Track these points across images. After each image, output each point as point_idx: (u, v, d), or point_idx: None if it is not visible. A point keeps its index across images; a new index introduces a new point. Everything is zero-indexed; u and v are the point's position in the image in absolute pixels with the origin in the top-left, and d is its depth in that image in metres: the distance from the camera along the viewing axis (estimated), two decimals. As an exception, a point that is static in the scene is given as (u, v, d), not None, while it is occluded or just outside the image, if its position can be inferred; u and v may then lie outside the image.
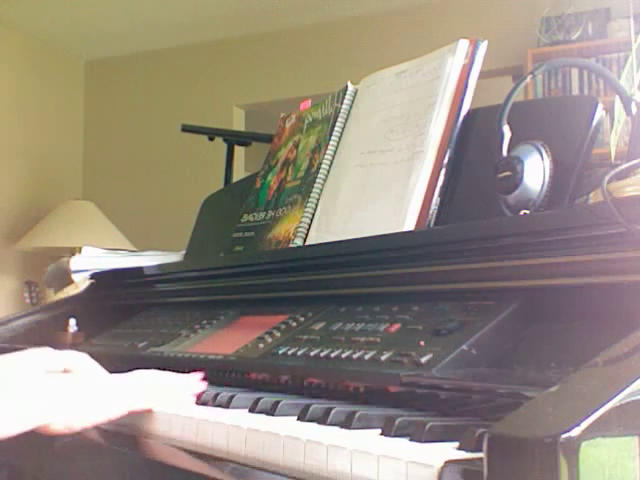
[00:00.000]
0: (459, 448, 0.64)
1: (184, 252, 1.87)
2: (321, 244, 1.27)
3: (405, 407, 0.85)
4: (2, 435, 0.84)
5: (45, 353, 0.97)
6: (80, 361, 0.99)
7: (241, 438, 0.81)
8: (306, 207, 1.38)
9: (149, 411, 0.97)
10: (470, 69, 1.23)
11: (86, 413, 0.92)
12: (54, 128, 5.02)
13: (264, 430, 0.78)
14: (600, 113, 1.04)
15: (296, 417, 0.83)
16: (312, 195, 1.38)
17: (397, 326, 0.96)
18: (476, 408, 0.78)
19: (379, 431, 0.73)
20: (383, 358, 0.89)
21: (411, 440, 0.68)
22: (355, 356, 0.93)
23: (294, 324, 1.13)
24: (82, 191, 5.17)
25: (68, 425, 0.90)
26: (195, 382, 1.02)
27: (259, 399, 0.90)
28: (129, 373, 1.02)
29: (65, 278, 1.91)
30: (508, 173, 1.01)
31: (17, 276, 4.67)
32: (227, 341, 1.21)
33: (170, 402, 0.97)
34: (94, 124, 5.25)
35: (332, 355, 0.96)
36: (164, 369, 1.07)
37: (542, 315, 0.87)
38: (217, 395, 0.97)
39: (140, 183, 5.02)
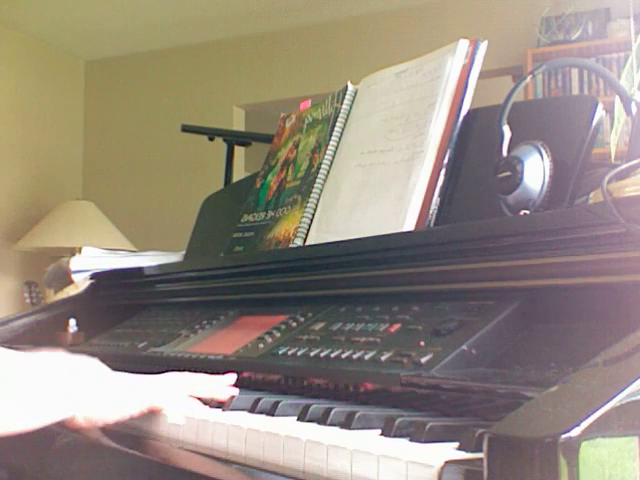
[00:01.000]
0: (459, 448, 0.64)
1: (184, 252, 1.87)
2: (321, 244, 1.27)
3: (405, 407, 0.85)
4: (30, 427, 0.86)
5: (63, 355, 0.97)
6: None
7: (241, 438, 0.81)
8: (306, 207, 1.38)
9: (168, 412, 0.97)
10: (470, 69, 1.23)
11: (107, 409, 0.92)
12: (54, 128, 5.02)
13: (264, 430, 0.78)
14: (600, 113, 1.04)
15: (296, 417, 0.83)
16: (312, 195, 1.38)
17: (397, 326, 0.96)
18: (476, 408, 0.77)
19: (379, 431, 0.73)
20: (383, 358, 0.89)
21: (411, 440, 0.68)
22: (355, 356, 0.93)
23: (294, 324, 1.13)
24: (82, 191, 5.17)
25: (89, 419, 0.91)
26: (226, 388, 1.00)
27: (259, 399, 0.90)
28: (161, 374, 1.02)
29: (65, 278, 1.91)
30: (508, 173, 1.00)
31: (17, 276, 4.67)
32: (227, 341, 1.21)
33: (190, 407, 0.96)
34: (94, 124, 5.25)
35: (332, 355, 0.96)
36: (164, 369, 1.07)
37: (542, 315, 0.87)
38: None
39: (140, 183, 5.02)
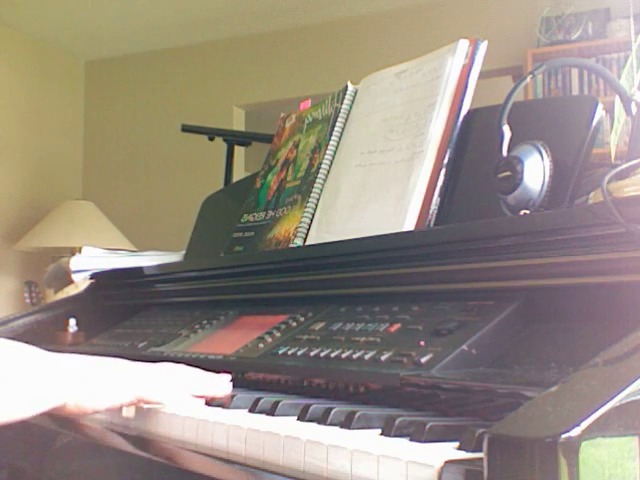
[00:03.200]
0: (459, 448, 0.64)
1: (184, 252, 1.87)
2: (321, 244, 1.27)
3: (405, 407, 0.85)
4: (20, 417, 0.85)
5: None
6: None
7: (241, 438, 0.81)
8: (306, 207, 1.38)
9: (161, 405, 0.97)
10: (470, 69, 1.23)
11: (98, 396, 0.92)
12: (54, 128, 5.02)
13: (264, 430, 0.78)
14: (600, 113, 1.04)
15: (296, 417, 0.83)
16: (312, 195, 1.38)
17: (397, 326, 0.96)
18: (476, 408, 0.78)
19: (379, 431, 0.73)
20: (383, 358, 0.89)
21: (411, 440, 0.68)
22: (355, 356, 0.93)
23: (294, 324, 1.13)
24: (82, 191, 5.17)
25: (80, 407, 0.90)
26: (223, 384, 1.01)
27: (259, 399, 0.90)
28: (158, 364, 1.02)
29: (65, 278, 1.91)
30: (508, 173, 1.01)
31: (17, 276, 4.67)
32: (227, 341, 1.21)
33: (182, 401, 0.96)
34: (94, 124, 5.25)
35: (332, 355, 0.96)
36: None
37: (542, 315, 0.87)
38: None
39: (140, 183, 5.02)
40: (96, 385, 0.92)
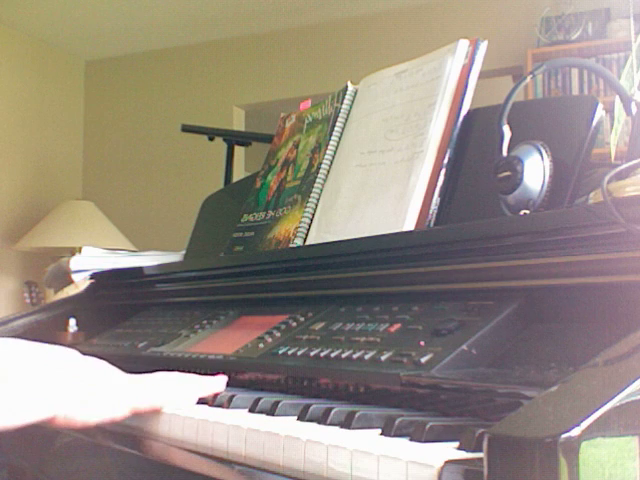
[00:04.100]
0: (459, 448, 0.64)
1: (184, 252, 1.87)
2: (321, 244, 1.27)
3: (405, 407, 0.85)
4: (10, 425, 0.84)
5: (69, 353, 0.95)
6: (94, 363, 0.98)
7: (241, 438, 0.81)
8: (306, 207, 1.38)
9: (157, 411, 0.96)
10: (470, 69, 1.23)
11: (89, 411, 0.91)
12: (54, 128, 5.02)
13: (264, 430, 0.78)
14: (600, 113, 1.04)
15: (296, 417, 0.83)
16: (312, 195, 1.38)
17: (397, 326, 0.96)
18: (476, 408, 0.78)
19: (379, 431, 0.73)
20: (383, 358, 0.89)
21: (411, 440, 0.68)
22: (355, 356, 0.93)
23: (294, 324, 1.13)
24: (82, 191, 5.17)
25: (69, 421, 0.89)
26: (218, 386, 1.00)
27: (259, 399, 0.90)
28: (152, 374, 1.01)
29: (65, 278, 1.91)
30: (508, 173, 1.01)
31: (17, 276, 4.67)
32: (227, 341, 1.21)
33: (178, 405, 0.96)
34: (94, 124, 5.25)
35: (332, 355, 0.96)
36: (164, 369, 1.07)
37: (542, 315, 0.87)
38: (217, 395, 0.97)
39: (140, 183, 5.03)
40: (88, 399, 0.90)
